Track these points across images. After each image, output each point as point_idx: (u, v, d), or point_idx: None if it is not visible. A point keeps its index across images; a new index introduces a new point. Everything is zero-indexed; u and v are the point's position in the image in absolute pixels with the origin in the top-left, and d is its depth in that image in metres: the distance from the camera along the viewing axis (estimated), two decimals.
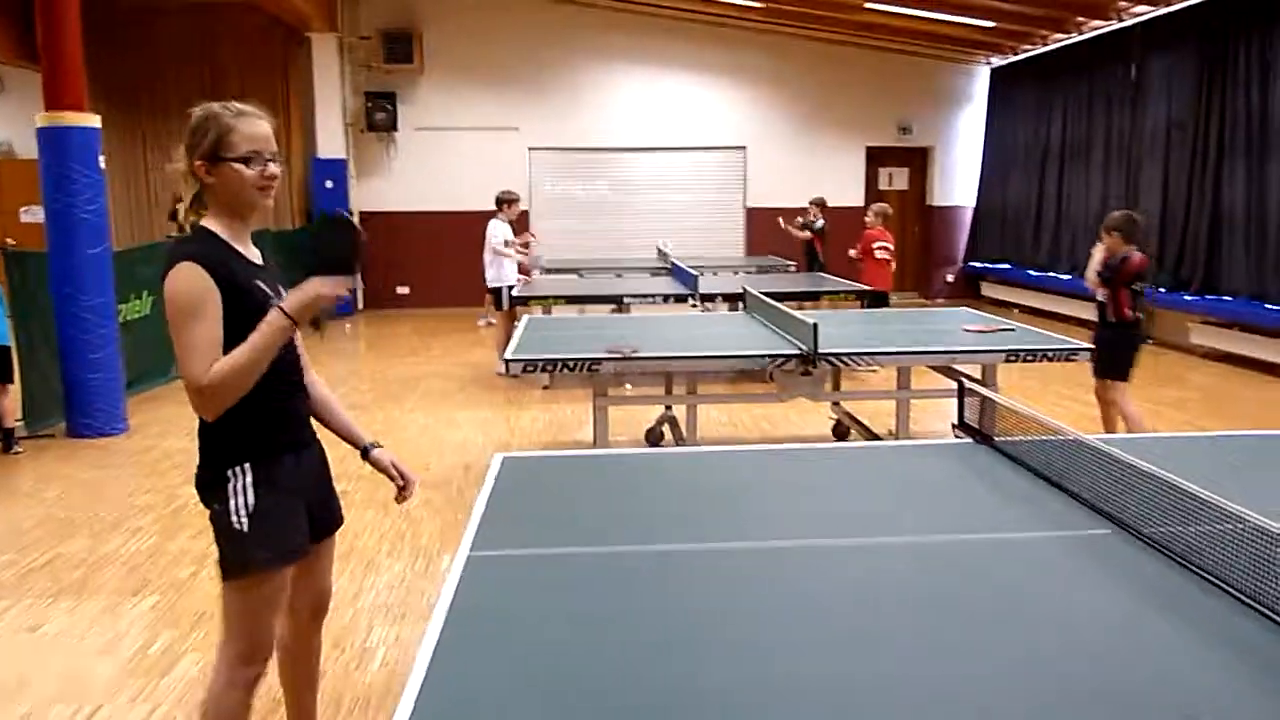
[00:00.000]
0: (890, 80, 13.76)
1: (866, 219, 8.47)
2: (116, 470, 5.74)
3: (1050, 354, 4.95)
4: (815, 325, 4.62)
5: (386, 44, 12.54)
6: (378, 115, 12.77)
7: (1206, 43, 9.26)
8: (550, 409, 7.38)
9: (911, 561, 2.05)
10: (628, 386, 6.99)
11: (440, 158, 13.24)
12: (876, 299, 7.95)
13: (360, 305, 13.26)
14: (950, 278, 14.41)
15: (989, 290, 13.69)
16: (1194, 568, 1.91)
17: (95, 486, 5.42)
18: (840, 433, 6.28)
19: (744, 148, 13.80)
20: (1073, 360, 4.98)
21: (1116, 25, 10.66)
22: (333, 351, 10.29)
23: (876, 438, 5.74)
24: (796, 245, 10.92)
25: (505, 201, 8.66)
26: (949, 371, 5.52)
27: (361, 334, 11.57)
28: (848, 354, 4.74)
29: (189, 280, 2.06)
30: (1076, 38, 11.47)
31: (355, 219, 13.09)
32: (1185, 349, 9.45)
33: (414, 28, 12.84)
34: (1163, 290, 9.82)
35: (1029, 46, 12.51)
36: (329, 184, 12.72)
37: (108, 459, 5.99)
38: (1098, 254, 5.57)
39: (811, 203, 10.45)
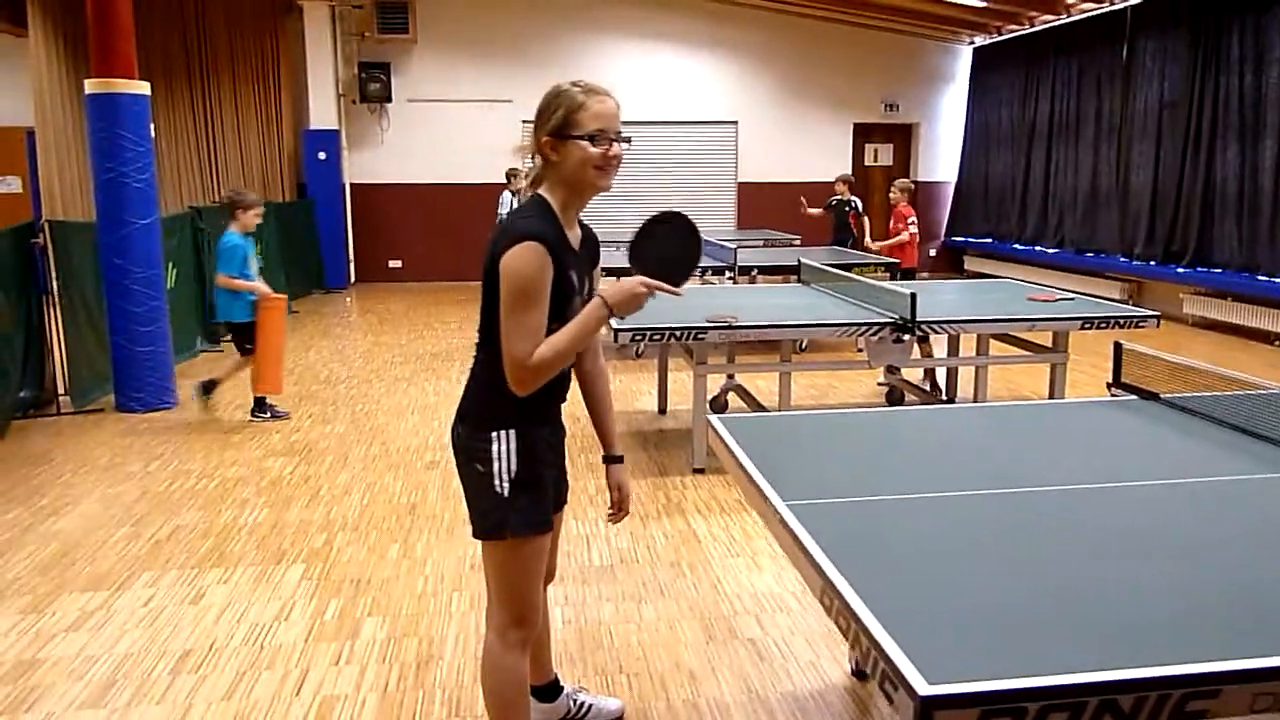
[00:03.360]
0: (876, 57, 14.02)
1: (892, 195, 8.50)
2: (189, 445, 5.68)
3: (1120, 321, 5.23)
4: (914, 295, 4.81)
5: (381, 13, 12.32)
6: (371, 86, 12.56)
7: (1199, 26, 9.68)
8: None
9: (1169, 501, 2.23)
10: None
11: (433, 130, 13.10)
12: (905, 274, 8.12)
13: (353, 279, 13.09)
14: (933, 252, 14.80)
15: (971, 264, 14.11)
16: None
17: (176, 461, 5.36)
18: (894, 399, 6.50)
19: (735, 122, 13.94)
20: (1141, 327, 5.26)
21: (1107, 8, 11.04)
22: (347, 324, 10.18)
23: (940, 401, 5.99)
24: (809, 222, 10.62)
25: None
26: (1016, 339, 5.78)
27: (369, 308, 11.41)
28: (942, 322, 4.95)
29: (534, 263, 2.07)
30: (1065, 19, 11.84)
31: (342, 190, 12.89)
32: (1177, 319, 9.93)
33: None
34: (1154, 262, 10.30)
35: (1014, 27, 12.87)
36: (321, 155, 12.48)
37: (173, 434, 5.90)
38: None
39: (841, 180, 9.90)
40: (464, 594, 3.66)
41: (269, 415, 6.20)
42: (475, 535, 2.31)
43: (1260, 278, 8.97)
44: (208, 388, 6.19)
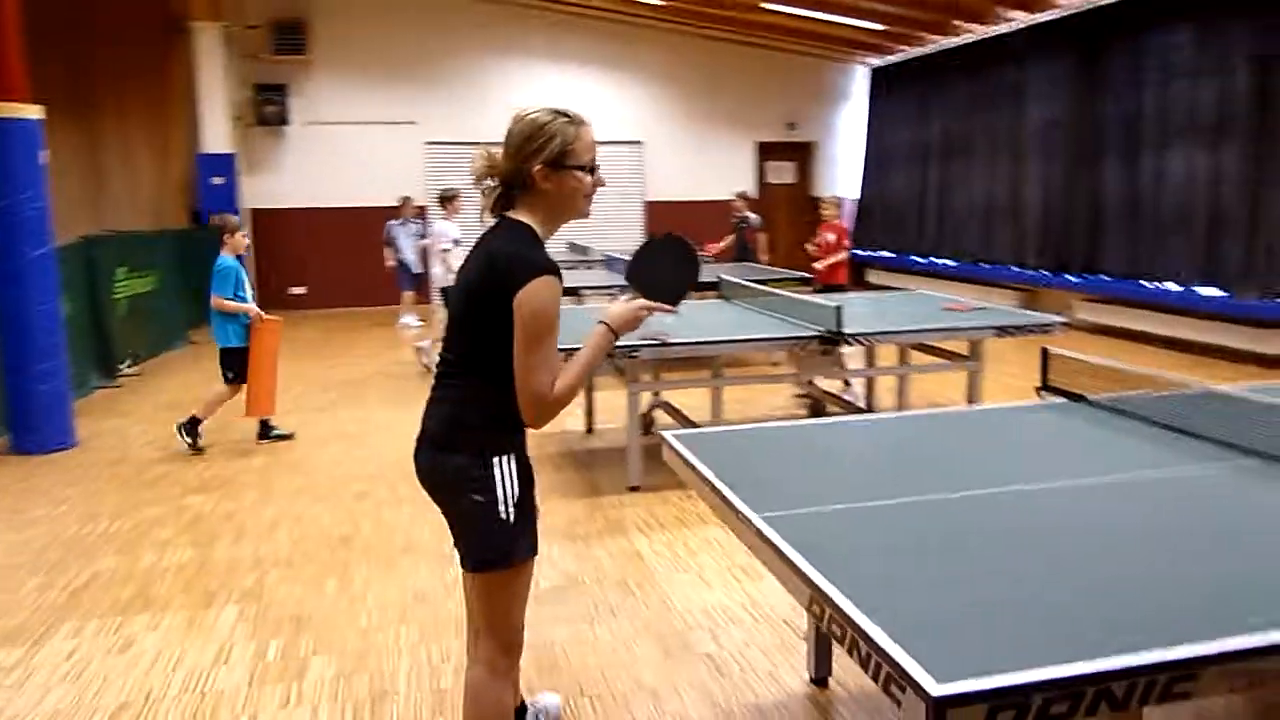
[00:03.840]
0: (777, 77, 14.40)
1: (828, 211, 8.42)
2: (98, 485, 5.37)
3: (1033, 327, 5.48)
4: (839, 308, 4.94)
5: (276, 34, 12.01)
6: (268, 108, 12.22)
7: (1084, 49, 10.26)
8: None
9: (1117, 496, 2.34)
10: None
11: (335, 152, 12.82)
12: (836, 290, 8.11)
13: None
14: None
15: (873, 277, 14.54)
16: None
17: (85, 503, 5.07)
18: (816, 410, 6.64)
19: (642, 142, 14.08)
20: (1048, 332, 5.52)
21: (997, 30, 11.59)
22: None
23: (860, 411, 6.15)
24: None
25: (453, 198, 8.52)
26: (931, 349, 5.98)
27: None
28: (868, 334, 5.09)
29: (556, 298, 2.09)
30: (957, 41, 12.38)
31: (241, 216, 12.48)
32: (1069, 325, 10.43)
33: (304, 17, 12.35)
34: (1047, 271, 10.82)
35: (906, 48, 13.38)
36: (216, 180, 12.05)
37: (79, 475, 5.58)
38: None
39: (741, 196, 10.20)
40: (411, 626, 3.56)
41: (274, 436, 6.26)
42: (475, 568, 2.24)
43: (1146, 284, 9.52)
44: (190, 428, 5.98)
